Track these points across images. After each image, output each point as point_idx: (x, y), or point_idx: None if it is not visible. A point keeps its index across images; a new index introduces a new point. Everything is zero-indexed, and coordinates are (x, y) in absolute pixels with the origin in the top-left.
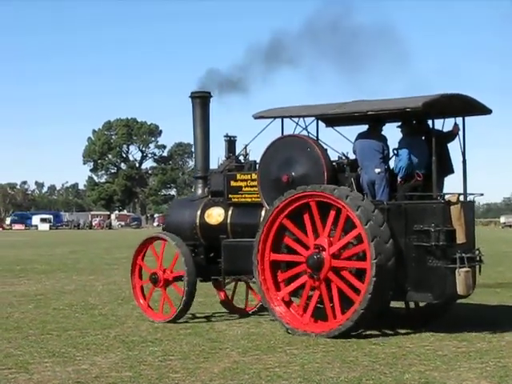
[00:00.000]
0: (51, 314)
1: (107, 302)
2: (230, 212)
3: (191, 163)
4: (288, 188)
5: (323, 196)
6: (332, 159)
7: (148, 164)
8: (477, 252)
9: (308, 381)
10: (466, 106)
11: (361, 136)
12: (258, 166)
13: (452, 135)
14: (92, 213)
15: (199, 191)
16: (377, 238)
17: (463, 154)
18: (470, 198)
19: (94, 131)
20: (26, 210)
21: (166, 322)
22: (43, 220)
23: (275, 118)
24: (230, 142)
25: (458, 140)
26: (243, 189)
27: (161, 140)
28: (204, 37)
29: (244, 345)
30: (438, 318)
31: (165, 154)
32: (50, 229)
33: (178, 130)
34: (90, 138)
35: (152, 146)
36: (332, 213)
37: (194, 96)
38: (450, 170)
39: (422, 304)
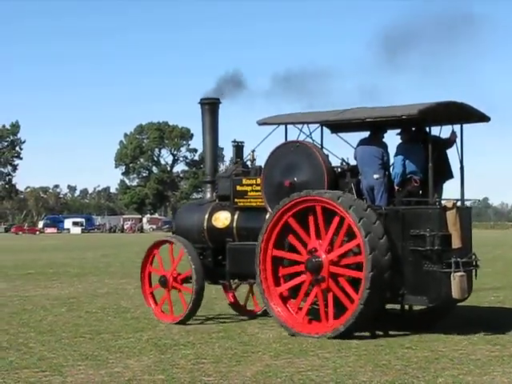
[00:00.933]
0: (84, 317)
1: (139, 305)
2: (236, 216)
3: (222, 167)
4: (290, 193)
5: (298, 202)
6: (335, 165)
7: (179, 168)
8: (473, 257)
9: None
10: (463, 114)
11: (362, 142)
12: (262, 170)
13: (450, 142)
14: (124, 216)
15: (208, 195)
16: (354, 206)
17: (461, 160)
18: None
19: (125, 135)
20: (58, 214)
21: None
22: (75, 223)
23: (278, 124)
24: (238, 148)
25: (456, 147)
26: (249, 193)
27: (192, 143)
28: (238, 41)
29: (276, 348)
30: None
31: (196, 157)
32: (82, 232)
33: None
34: (121, 141)
35: (183, 149)
36: (311, 218)
37: (204, 102)
38: (449, 175)
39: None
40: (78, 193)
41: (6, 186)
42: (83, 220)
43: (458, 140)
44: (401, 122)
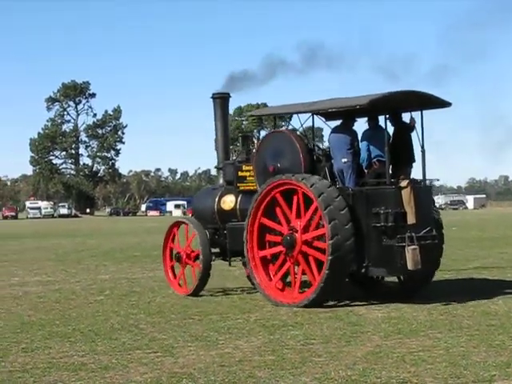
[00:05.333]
0: (191, 299)
1: (244, 286)
2: (239, 199)
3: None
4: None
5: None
6: (316, 150)
7: None
8: (431, 231)
9: (454, 365)
10: (422, 101)
11: (334, 130)
12: (252, 157)
13: (409, 127)
14: None
15: (220, 181)
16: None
17: (422, 145)
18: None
19: None
20: (159, 197)
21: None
22: (177, 206)
23: (266, 115)
24: (244, 138)
25: (416, 132)
26: (248, 178)
27: (293, 123)
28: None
29: (385, 328)
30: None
31: None
32: (184, 214)
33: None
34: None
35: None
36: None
37: (215, 97)
38: (412, 159)
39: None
40: (178, 176)
41: (110, 170)
42: (185, 202)
43: (419, 125)
44: (366, 111)
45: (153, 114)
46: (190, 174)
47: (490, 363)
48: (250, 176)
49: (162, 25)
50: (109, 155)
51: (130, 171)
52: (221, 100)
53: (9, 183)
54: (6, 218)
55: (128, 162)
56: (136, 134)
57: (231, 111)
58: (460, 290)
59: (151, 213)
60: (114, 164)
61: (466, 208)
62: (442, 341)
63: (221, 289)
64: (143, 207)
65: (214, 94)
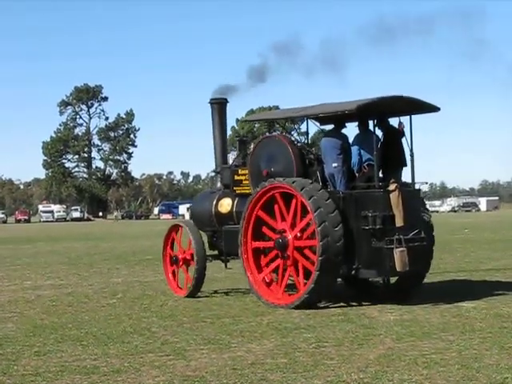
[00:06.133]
0: (203, 302)
1: None
2: (235, 202)
3: None
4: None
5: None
6: (308, 155)
7: None
8: (419, 234)
9: (466, 368)
10: (410, 106)
11: (325, 135)
12: (247, 161)
13: (398, 132)
14: None
15: (218, 184)
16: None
17: (411, 149)
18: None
19: (237, 120)
20: (172, 200)
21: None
22: (188, 209)
23: (259, 121)
24: (241, 142)
25: (405, 136)
26: (243, 182)
27: (304, 128)
28: None
29: (398, 331)
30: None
31: (309, 141)
32: None
33: None
34: (233, 127)
35: (295, 134)
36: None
37: (213, 102)
38: (403, 163)
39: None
40: (191, 179)
41: (122, 173)
42: None
43: (408, 129)
44: (355, 116)
45: (165, 117)
46: (203, 177)
47: (502, 366)
48: (245, 180)
49: (176, 27)
50: (121, 158)
51: (143, 174)
52: (218, 105)
53: (21, 187)
54: (18, 221)
55: (140, 166)
56: (148, 137)
57: (243, 114)
58: (473, 292)
59: (164, 216)
60: (126, 167)
61: (479, 210)
62: (455, 343)
63: (233, 291)
64: (156, 210)
65: (211, 100)
